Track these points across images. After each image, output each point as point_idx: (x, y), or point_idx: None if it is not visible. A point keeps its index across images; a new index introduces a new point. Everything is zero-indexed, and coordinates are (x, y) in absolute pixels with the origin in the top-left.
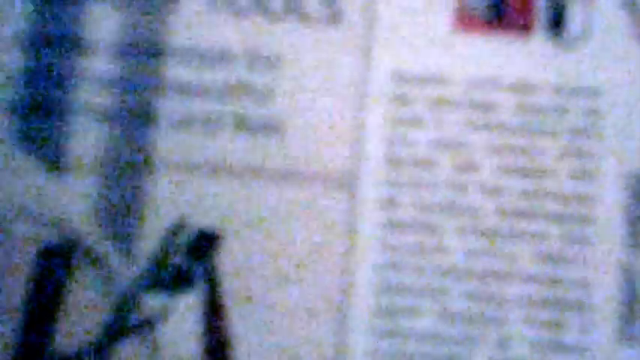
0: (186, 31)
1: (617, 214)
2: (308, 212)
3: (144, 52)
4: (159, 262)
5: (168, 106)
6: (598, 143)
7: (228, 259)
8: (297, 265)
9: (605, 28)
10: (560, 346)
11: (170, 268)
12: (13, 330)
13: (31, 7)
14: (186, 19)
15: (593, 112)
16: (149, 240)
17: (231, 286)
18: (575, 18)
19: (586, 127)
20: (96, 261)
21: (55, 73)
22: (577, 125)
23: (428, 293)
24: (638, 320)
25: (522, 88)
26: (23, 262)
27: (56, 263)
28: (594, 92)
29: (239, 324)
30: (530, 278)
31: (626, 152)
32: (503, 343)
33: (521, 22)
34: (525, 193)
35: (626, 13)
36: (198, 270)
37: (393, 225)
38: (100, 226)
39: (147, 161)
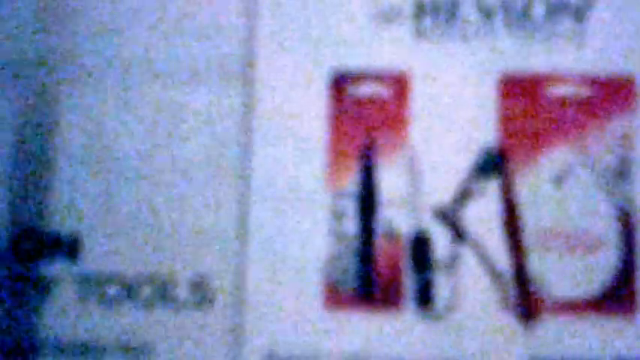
0: (56, 323)
1: None
2: None
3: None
4: None
5: None
6: None
7: None
8: None
9: (472, 298)
10: None
11: None
12: None
13: None
14: (56, 312)
15: None
16: None
17: None
18: (442, 291)
19: None
20: None
21: None
22: None
23: None
24: None
25: None
26: None
27: None
28: None
29: None
30: None
31: None
32: None
33: (391, 298)
34: None
35: (493, 284)
36: None
37: None
38: None
39: None
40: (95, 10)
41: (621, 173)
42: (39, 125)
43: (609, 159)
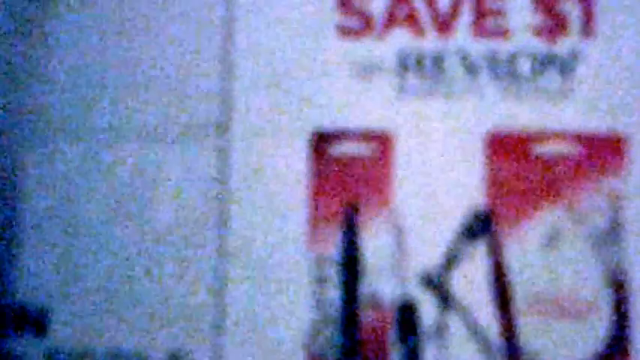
0: None
1: None
2: None
3: None
4: None
5: None
6: None
7: None
8: None
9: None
10: None
11: None
12: None
13: None
14: None
15: None
16: None
17: None
18: None
19: None
20: None
21: None
22: None
23: None
24: None
25: None
26: None
27: None
28: None
29: None
30: None
31: None
32: None
33: None
34: None
35: (482, 352)
36: None
37: None
38: None
39: None
40: (60, 69)
41: (612, 235)
42: (2, 190)
43: (599, 220)
